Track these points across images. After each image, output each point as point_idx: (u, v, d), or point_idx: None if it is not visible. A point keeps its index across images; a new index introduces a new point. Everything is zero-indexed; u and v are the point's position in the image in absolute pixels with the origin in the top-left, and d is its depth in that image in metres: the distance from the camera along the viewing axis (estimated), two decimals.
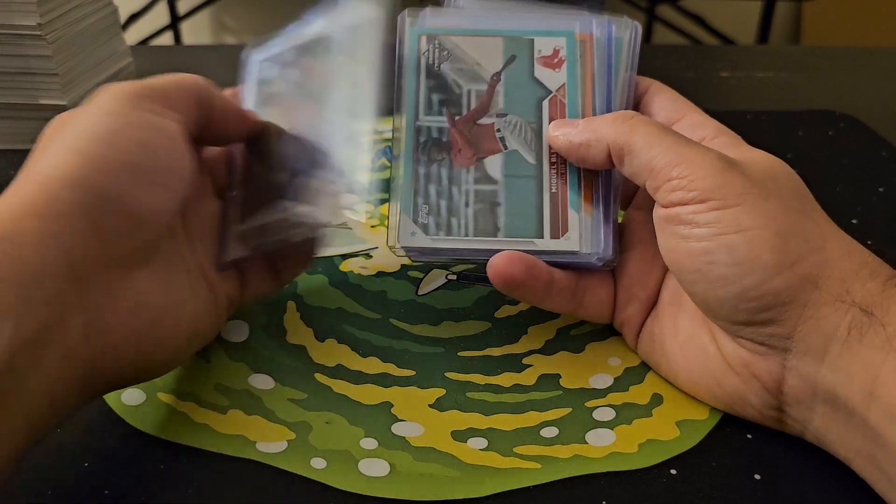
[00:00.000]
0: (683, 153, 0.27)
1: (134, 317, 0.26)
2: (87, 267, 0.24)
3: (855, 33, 1.66)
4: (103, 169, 0.25)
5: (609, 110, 0.32)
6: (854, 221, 0.42)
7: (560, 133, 0.31)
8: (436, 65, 0.33)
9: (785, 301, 0.25)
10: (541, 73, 0.33)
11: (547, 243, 0.30)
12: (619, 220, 0.33)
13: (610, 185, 0.32)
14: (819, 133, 0.53)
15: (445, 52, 0.33)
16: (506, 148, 0.32)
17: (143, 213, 0.26)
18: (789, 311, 0.26)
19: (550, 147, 0.32)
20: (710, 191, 0.26)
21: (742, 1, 1.68)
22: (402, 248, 0.31)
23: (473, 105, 0.32)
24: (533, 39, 0.34)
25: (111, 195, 0.25)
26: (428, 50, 0.33)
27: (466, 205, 0.31)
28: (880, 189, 0.46)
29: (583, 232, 0.31)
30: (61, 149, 0.26)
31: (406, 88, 0.33)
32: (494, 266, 0.29)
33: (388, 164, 0.48)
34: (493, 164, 0.32)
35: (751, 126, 0.54)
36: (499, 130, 0.32)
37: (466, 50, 0.33)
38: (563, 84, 0.33)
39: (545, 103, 0.32)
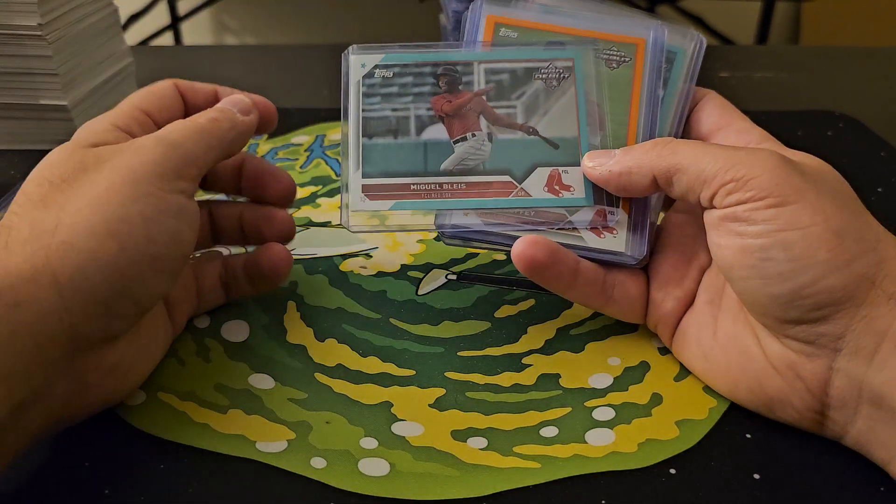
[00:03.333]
0: (734, 156, 0.27)
1: (111, 376, 0.27)
2: (87, 341, 0.25)
3: (854, 33, 1.66)
4: (133, 258, 0.26)
5: (654, 122, 0.33)
6: None
7: (596, 164, 0.31)
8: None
9: (840, 300, 0.25)
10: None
11: (593, 241, 0.31)
12: (658, 222, 0.34)
13: None
14: (818, 133, 0.53)
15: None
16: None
17: (153, 299, 0.28)
18: (844, 310, 0.25)
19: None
20: (768, 188, 0.26)
21: (741, 1, 1.68)
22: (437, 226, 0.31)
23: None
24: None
25: (132, 283, 0.26)
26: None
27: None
28: (879, 189, 0.46)
29: (629, 235, 0.31)
30: (93, 222, 0.26)
31: None
32: (518, 249, 0.30)
33: None
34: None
35: None
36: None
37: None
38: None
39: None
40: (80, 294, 0.25)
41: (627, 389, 0.31)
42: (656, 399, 0.30)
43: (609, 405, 0.30)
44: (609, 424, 0.29)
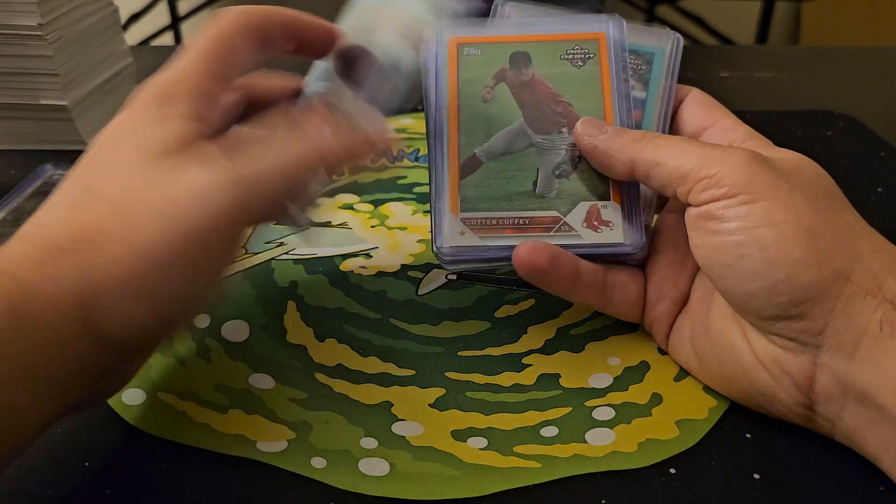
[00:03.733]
0: (710, 154, 0.28)
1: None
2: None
3: (854, 33, 1.66)
4: (172, 320, 0.26)
5: (627, 112, 0.33)
6: None
7: (586, 133, 0.31)
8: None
9: (816, 296, 0.26)
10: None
11: (591, 237, 0.31)
12: (653, 224, 0.34)
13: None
14: (818, 133, 0.53)
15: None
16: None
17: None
18: (821, 305, 0.26)
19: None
20: (740, 185, 0.26)
21: (741, 1, 1.68)
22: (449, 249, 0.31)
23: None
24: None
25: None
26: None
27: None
28: (879, 189, 0.46)
29: (625, 225, 0.31)
30: (133, 255, 0.24)
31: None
32: (518, 255, 0.30)
33: (388, 166, 0.48)
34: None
35: (750, 126, 0.54)
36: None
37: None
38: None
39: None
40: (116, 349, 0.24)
41: (627, 389, 0.31)
42: (656, 399, 0.30)
43: (609, 405, 0.30)
44: (609, 424, 0.29)
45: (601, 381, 0.31)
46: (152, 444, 0.28)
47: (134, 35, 1.64)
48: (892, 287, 0.25)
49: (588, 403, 0.30)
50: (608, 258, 0.32)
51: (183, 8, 1.80)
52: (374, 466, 0.27)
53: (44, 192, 0.42)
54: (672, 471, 0.27)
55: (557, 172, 0.32)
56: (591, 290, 0.31)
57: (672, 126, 0.34)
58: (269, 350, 0.33)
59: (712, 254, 0.27)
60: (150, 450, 0.28)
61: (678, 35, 0.35)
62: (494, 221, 0.31)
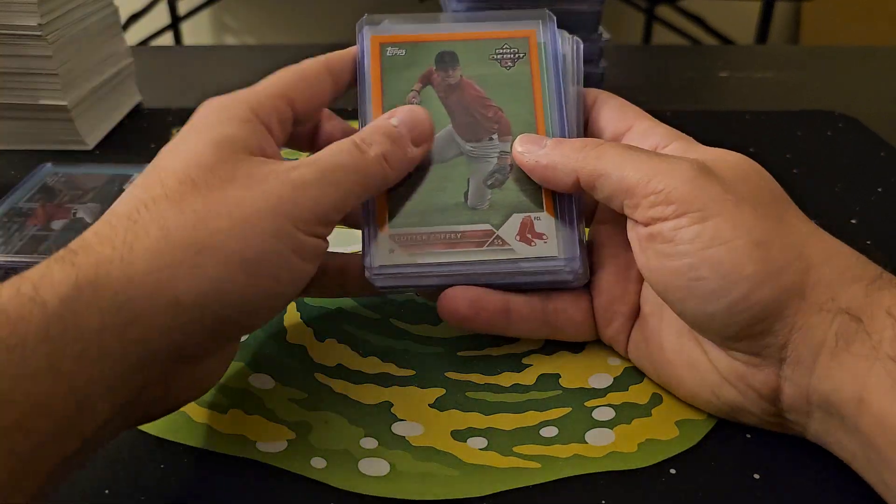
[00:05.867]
0: (654, 166, 0.27)
1: (195, 384, 0.26)
2: (186, 358, 0.24)
3: (853, 33, 1.66)
4: (257, 295, 0.25)
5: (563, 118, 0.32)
6: (853, 222, 0.42)
7: (526, 150, 0.30)
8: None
9: (774, 311, 0.25)
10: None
11: (524, 251, 0.30)
12: (586, 238, 0.32)
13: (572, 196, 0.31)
14: (818, 133, 0.53)
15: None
16: None
17: (259, 325, 0.28)
18: (782, 321, 0.25)
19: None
20: (686, 202, 0.26)
21: (741, 1, 1.68)
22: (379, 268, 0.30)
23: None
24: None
25: (247, 315, 0.25)
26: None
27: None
28: (879, 189, 0.46)
29: (559, 238, 0.30)
30: (229, 250, 0.24)
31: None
32: (441, 306, 0.30)
33: None
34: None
35: (750, 126, 0.54)
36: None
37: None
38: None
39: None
40: (195, 319, 0.23)
41: (627, 389, 0.31)
42: (656, 399, 0.30)
43: (609, 405, 0.30)
44: (609, 424, 0.29)
45: (601, 381, 0.31)
46: (152, 444, 0.28)
47: (134, 35, 1.65)
48: (845, 297, 0.25)
49: (588, 404, 0.30)
50: (549, 286, 0.31)
51: (183, 8, 1.80)
52: (374, 466, 0.27)
53: (44, 192, 0.42)
54: (672, 471, 0.27)
55: (489, 182, 0.31)
56: (532, 323, 0.31)
57: (588, 133, 0.32)
58: (269, 350, 0.33)
59: (667, 278, 0.27)
60: (150, 450, 0.28)
61: (577, 38, 0.33)
62: (425, 237, 0.30)
